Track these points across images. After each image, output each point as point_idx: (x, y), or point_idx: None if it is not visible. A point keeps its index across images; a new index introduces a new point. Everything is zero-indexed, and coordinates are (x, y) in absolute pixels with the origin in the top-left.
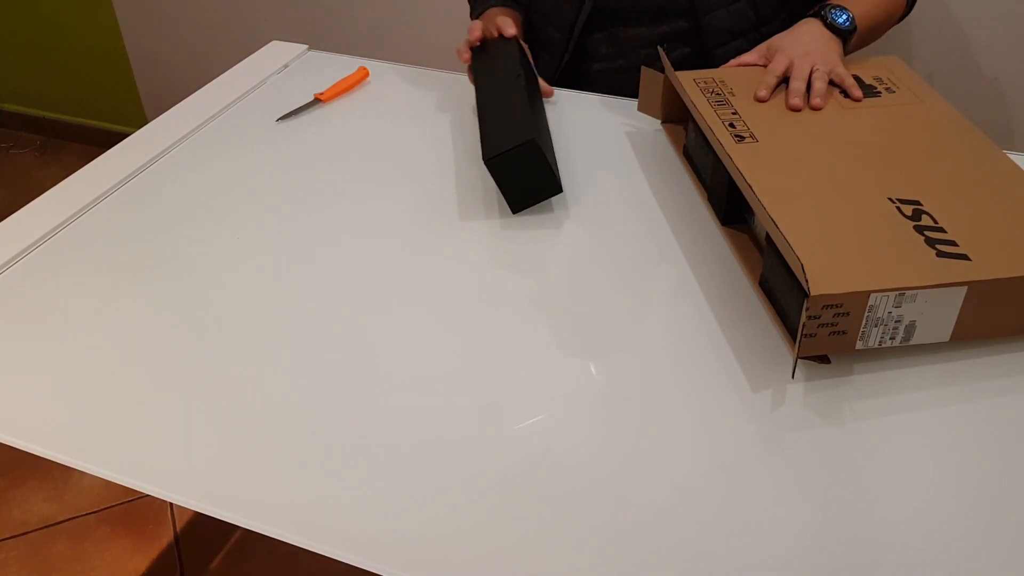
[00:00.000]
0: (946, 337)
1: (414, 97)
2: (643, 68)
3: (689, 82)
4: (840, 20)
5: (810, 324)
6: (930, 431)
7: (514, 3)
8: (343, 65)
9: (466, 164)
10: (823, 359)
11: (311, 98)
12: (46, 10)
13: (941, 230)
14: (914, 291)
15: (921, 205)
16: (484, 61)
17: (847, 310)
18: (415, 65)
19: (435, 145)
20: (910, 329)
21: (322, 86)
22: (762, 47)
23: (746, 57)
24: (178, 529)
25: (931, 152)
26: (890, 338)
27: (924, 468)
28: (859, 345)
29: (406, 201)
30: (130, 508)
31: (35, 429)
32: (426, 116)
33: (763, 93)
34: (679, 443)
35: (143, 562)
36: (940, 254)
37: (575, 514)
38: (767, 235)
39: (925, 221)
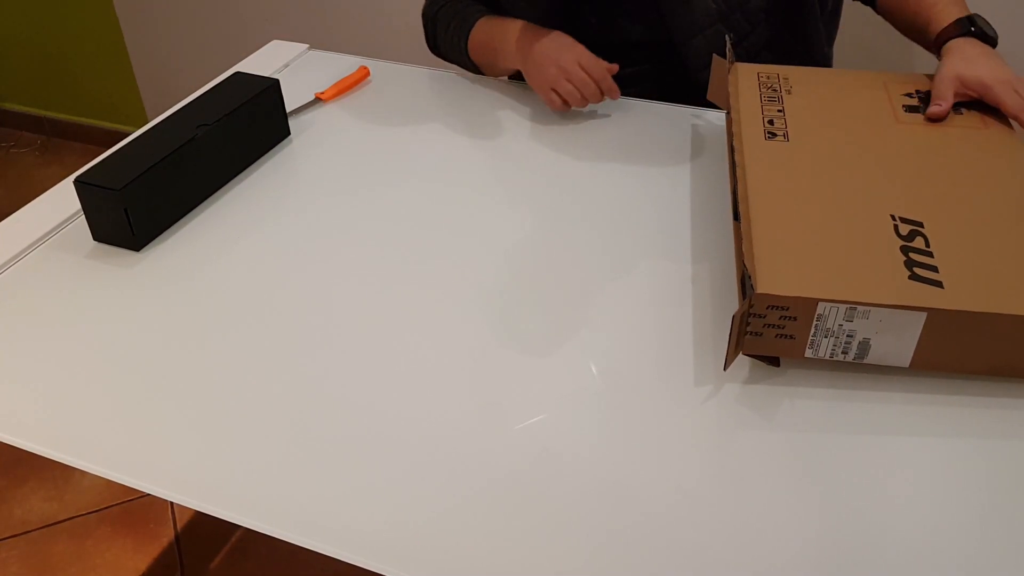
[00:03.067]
0: (906, 363)
1: (415, 97)
2: (714, 56)
3: (750, 74)
4: (991, 34)
5: (755, 322)
6: (928, 440)
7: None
8: (344, 64)
9: (466, 163)
10: (773, 361)
11: (312, 97)
12: (46, 10)
13: (928, 254)
14: (867, 307)
15: (921, 227)
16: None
17: (794, 314)
18: (416, 65)
19: (435, 144)
20: (864, 346)
21: (323, 85)
22: (948, 83)
23: (944, 104)
24: (179, 528)
25: (964, 178)
26: (842, 352)
27: (924, 472)
28: (809, 353)
29: (406, 200)
30: (130, 507)
31: (36, 428)
32: (427, 115)
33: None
34: (678, 443)
35: (144, 561)
36: (914, 276)
37: (574, 513)
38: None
39: (917, 243)
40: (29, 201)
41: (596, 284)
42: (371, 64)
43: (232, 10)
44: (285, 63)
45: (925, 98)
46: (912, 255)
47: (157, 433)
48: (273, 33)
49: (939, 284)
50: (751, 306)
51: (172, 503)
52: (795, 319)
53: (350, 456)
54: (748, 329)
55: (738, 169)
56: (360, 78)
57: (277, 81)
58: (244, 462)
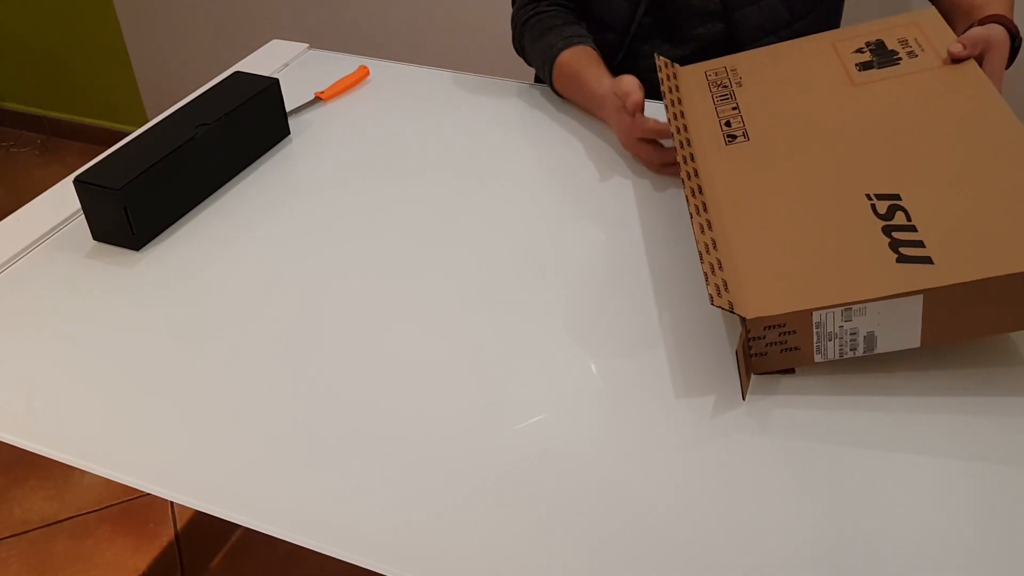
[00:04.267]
0: (916, 343)
1: (414, 96)
2: (656, 57)
3: (697, 74)
4: (1018, 43)
5: (756, 344)
6: (933, 440)
7: (583, 31)
8: (344, 64)
9: (466, 162)
10: (787, 370)
11: (312, 97)
12: (47, 9)
13: (911, 228)
14: (861, 304)
15: (899, 200)
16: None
17: (792, 328)
18: (416, 64)
19: (435, 144)
20: (871, 340)
21: (323, 85)
22: (981, 36)
23: (966, 49)
24: (179, 528)
25: (931, 131)
26: (851, 349)
27: (926, 476)
28: (818, 359)
29: (406, 200)
30: (131, 507)
31: (36, 428)
32: (427, 115)
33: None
34: (679, 443)
35: (144, 561)
36: (901, 258)
37: (574, 513)
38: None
39: (897, 219)
40: (29, 201)
41: (597, 284)
42: (371, 64)
43: (232, 10)
44: (285, 63)
45: (876, 49)
46: (895, 234)
47: (157, 432)
48: (273, 33)
49: (928, 260)
50: (748, 331)
51: (172, 503)
52: (794, 332)
53: (350, 456)
54: (752, 351)
55: (703, 180)
56: (360, 78)
57: (277, 81)
58: (244, 461)
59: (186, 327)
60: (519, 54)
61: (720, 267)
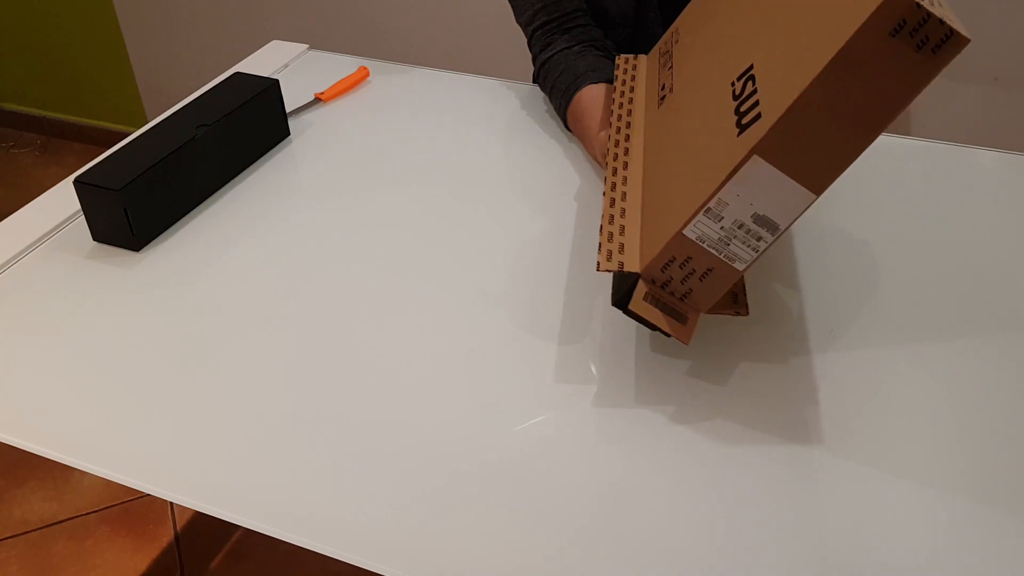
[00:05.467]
0: (811, 196)
1: (414, 97)
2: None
3: (654, 54)
4: None
5: (674, 286)
6: (932, 434)
7: (602, 64)
8: (343, 65)
9: (466, 163)
10: (739, 311)
11: (311, 98)
12: (46, 10)
13: (753, 93)
14: (715, 198)
15: (751, 70)
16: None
17: (685, 256)
18: (416, 65)
19: (435, 145)
20: (763, 220)
21: (322, 86)
22: None
23: None
24: (178, 529)
25: None
26: (756, 239)
27: (925, 477)
28: (739, 266)
29: (406, 201)
30: (130, 508)
31: (36, 428)
32: (426, 116)
33: None
34: (679, 443)
35: (143, 562)
36: (742, 130)
37: (574, 514)
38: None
39: (746, 90)
40: (29, 201)
41: (597, 284)
42: (371, 64)
43: (232, 10)
44: (285, 63)
45: None
46: (742, 107)
47: (157, 433)
48: (273, 33)
49: (757, 116)
50: (652, 282)
51: (172, 503)
52: (690, 258)
53: (350, 457)
54: (677, 295)
55: (632, 155)
56: (360, 78)
57: (277, 81)
58: (244, 462)
59: (186, 328)
60: (537, 84)
61: (622, 233)
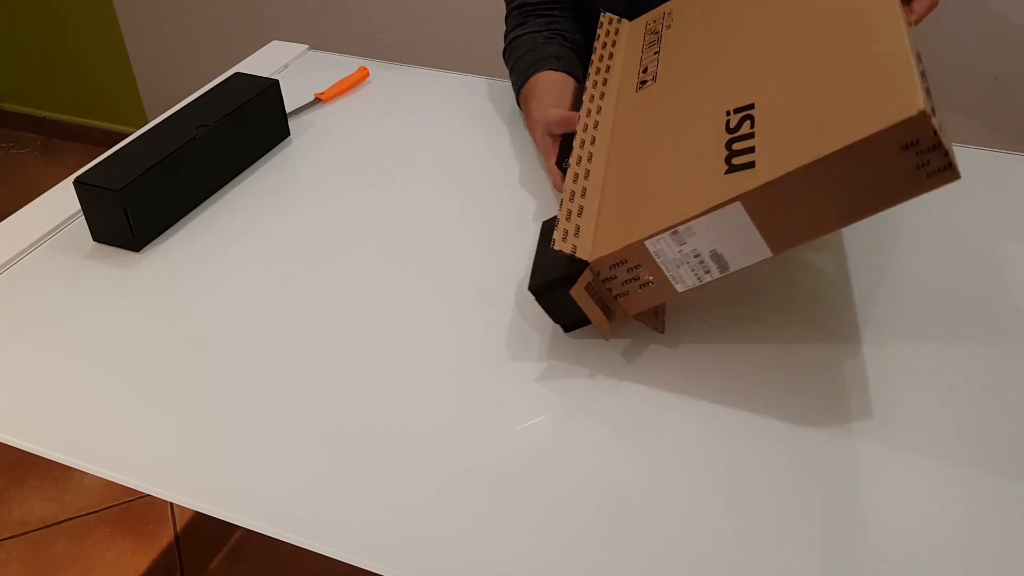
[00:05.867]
0: (767, 252)
1: (414, 97)
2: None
3: (638, 27)
4: None
5: (615, 284)
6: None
7: (567, 55)
8: (343, 65)
9: (466, 163)
10: (657, 327)
11: (311, 98)
12: (46, 10)
13: (749, 136)
14: (687, 224)
15: (751, 110)
16: None
17: (636, 263)
18: (415, 65)
19: (435, 145)
20: (718, 258)
21: (322, 86)
22: None
23: None
24: (178, 529)
25: (812, 35)
26: (705, 272)
27: (922, 479)
28: (680, 288)
29: (406, 201)
30: (130, 508)
31: (35, 429)
32: (426, 116)
33: None
34: (681, 442)
35: (143, 562)
36: (730, 169)
37: (576, 514)
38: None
39: (743, 129)
40: (29, 201)
41: None
42: (371, 64)
43: (232, 10)
44: (285, 63)
45: None
46: (735, 145)
47: (156, 433)
48: (273, 33)
49: (751, 165)
50: (597, 273)
51: (172, 504)
52: (639, 266)
53: (351, 457)
54: (614, 293)
55: (601, 131)
56: (360, 78)
57: (277, 81)
58: (244, 462)
59: (186, 328)
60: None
61: (579, 214)
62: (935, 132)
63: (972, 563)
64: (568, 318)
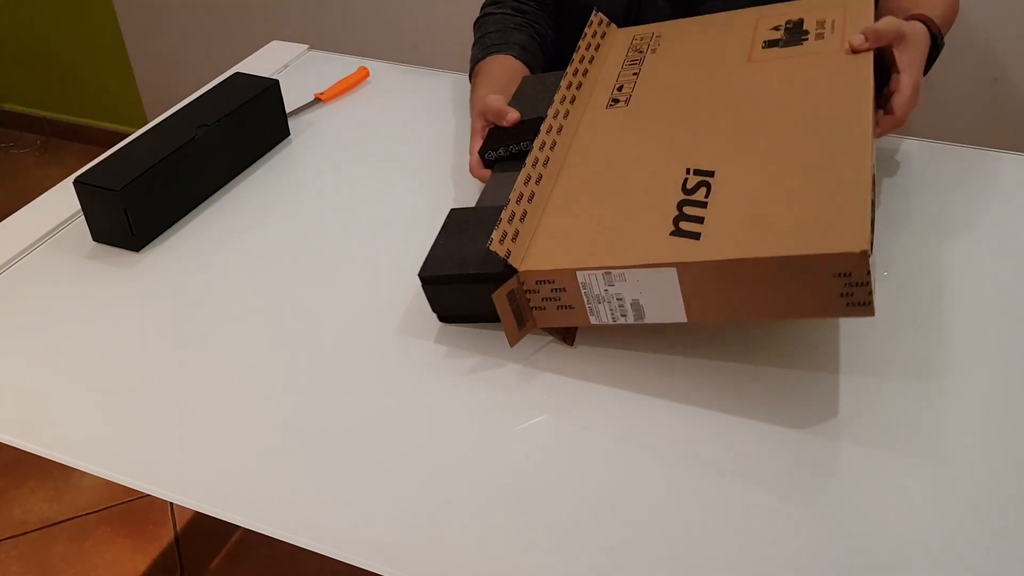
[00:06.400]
0: (683, 318)
1: (414, 97)
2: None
3: (625, 39)
4: (940, 44)
5: (533, 297)
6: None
7: (533, 47)
8: (343, 65)
9: (465, 163)
10: (567, 338)
11: (311, 98)
12: (46, 10)
13: (702, 205)
14: (620, 270)
15: (710, 177)
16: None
17: (562, 286)
18: (415, 65)
19: (435, 145)
20: (638, 308)
21: (322, 86)
22: (891, 27)
23: (864, 37)
24: (178, 529)
25: (782, 114)
26: (621, 315)
27: (919, 478)
28: (593, 320)
29: (406, 201)
30: (130, 508)
31: (35, 429)
32: (426, 116)
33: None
34: (682, 441)
35: (143, 562)
36: (676, 232)
37: (574, 514)
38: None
39: (698, 195)
40: (29, 201)
41: None
42: (371, 64)
43: (232, 10)
44: (285, 63)
45: (791, 28)
46: (685, 209)
47: (156, 433)
48: (273, 33)
49: (696, 236)
50: (522, 283)
51: (172, 503)
52: (564, 290)
53: (350, 457)
54: (531, 304)
55: (563, 137)
56: (360, 78)
57: (277, 81)
58: (244, 462)
59: (186, 328)
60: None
61: (521, 218)
62: (868, 272)
63: (972, 563)
64: (447, 311)
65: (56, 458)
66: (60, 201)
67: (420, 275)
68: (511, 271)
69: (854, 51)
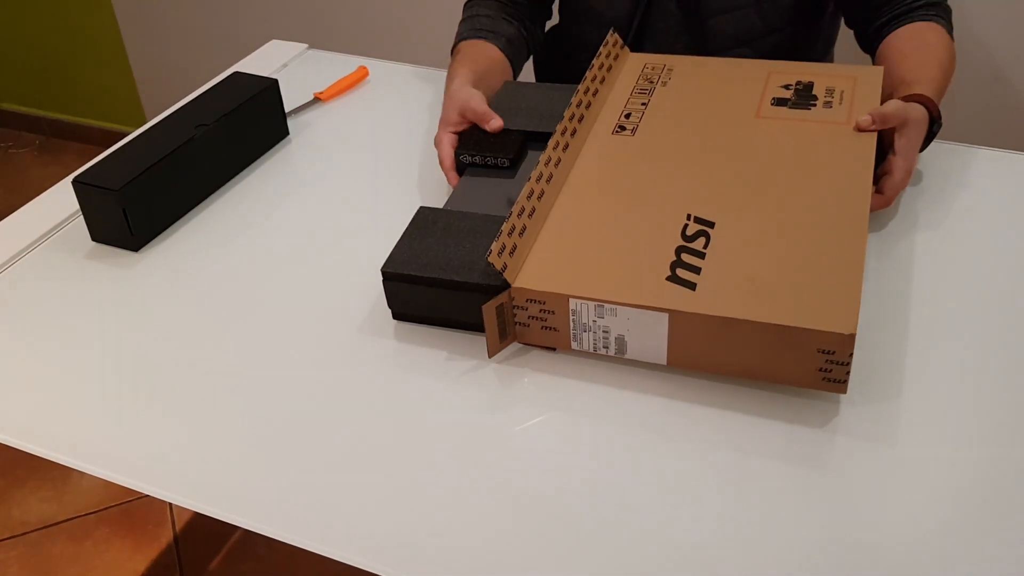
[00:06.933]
0: (663, 360)
1: (414, 96)
2: (611, 32)
3: (637, 64)
4: (936, 130)
5: (520, 313)
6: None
7: (519, 43)
8: (343, 64)
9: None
10: (549, 347)
11: (311, 97)
12: (46, 10)
13: (700, 255)
14: (614, 305)
15: (710, 228)
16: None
17: (551, 308)
18: (415, 64)
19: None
20: (621, 343)
21: (322, 85)
22: (898, 113)
23: (871, 119)
24: (177, 529)
25: (786, 178)
26: (603, 347)
27: (918, 478)
28: (574, 346)
29: (405, 200)
30: (129, 508)
31: (35, 429)
32: (426, 115)
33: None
34: (682, 440)
35: (143, 562)
36: (672, 278)
37: (574, 514)
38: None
39: (696, 244)
40: (28, 201)
41: None
42: (370, 64)
43: (232, 10)
44: (284, 63)
45: (801, 90)
46: (684, 256)
47: (155, 433)
48: (272, 33)
49: (692, 286)
50: (512, 299)
51: (171, 504)
52: (553, 313)
53: (350, 456)
54: (516, 320)
55: (568, 156)
56: (359, 78)
57: (276, 81)
58: (243, 462)
59: (185, 328)
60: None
61: (520, 233)
62: (850, 354)
63: (972, 562)
64: (402, 309)
65: (56, 458)
66: (59, 201)
67: (383, 270)
68: (494, 284)
69: (859, 130)
